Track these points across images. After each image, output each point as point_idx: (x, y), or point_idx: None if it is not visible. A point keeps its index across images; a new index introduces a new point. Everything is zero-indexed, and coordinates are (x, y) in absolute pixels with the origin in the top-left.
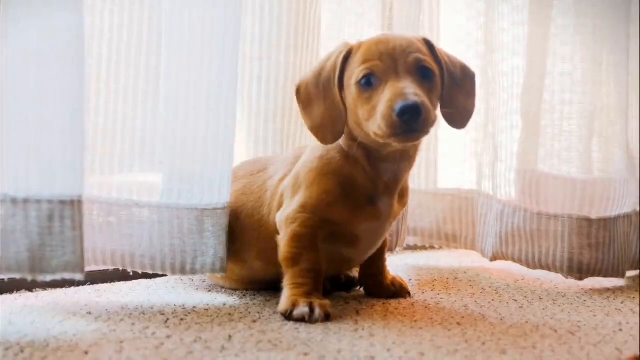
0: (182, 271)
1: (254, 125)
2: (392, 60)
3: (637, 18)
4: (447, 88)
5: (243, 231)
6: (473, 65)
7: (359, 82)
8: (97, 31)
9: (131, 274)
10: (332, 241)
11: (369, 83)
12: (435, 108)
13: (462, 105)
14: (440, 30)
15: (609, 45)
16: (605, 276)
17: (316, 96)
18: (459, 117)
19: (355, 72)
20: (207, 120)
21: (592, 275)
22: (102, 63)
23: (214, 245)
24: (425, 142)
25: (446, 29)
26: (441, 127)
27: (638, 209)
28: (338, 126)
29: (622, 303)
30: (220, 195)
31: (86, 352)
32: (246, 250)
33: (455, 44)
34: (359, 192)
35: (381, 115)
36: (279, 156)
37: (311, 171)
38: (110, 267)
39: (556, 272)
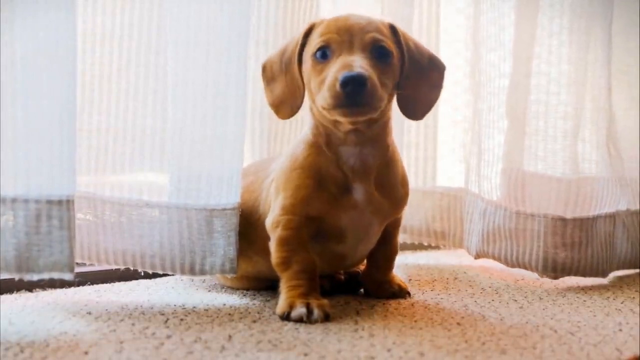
0: (192, 272)
1: None
2: (348, 35)
3: (636, 17)
4: (408, 75)
5: (246, 227)
6: (469, 65)
7: (314, 54)
8: (107, 31)
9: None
10: (319, 238)
11: (324, 55)
12: (387, 90)
13: (424, 95)
14: (439, 28)
15: (594, 44)
16: (583, 276)
17: (279, 73)
18: (417, 107)
19: (312, 44)
20: (216, 118)
21: (568, 274)
22: (112, 63)
23: (223, 246)
24: (424, 140)
25: (446, 28)
26: (440, 127)
27: (636, 209)
28: (296, 101)
29: (622, 303)
30: (229, 195)
31: (86, 352)
32: (249, 247)
33: (453, 43)
34: (329, 182)
35: (327, 86)
36: (277, 157)
37: (283, 170)
38: (122, 267)
39: (532, 270)
